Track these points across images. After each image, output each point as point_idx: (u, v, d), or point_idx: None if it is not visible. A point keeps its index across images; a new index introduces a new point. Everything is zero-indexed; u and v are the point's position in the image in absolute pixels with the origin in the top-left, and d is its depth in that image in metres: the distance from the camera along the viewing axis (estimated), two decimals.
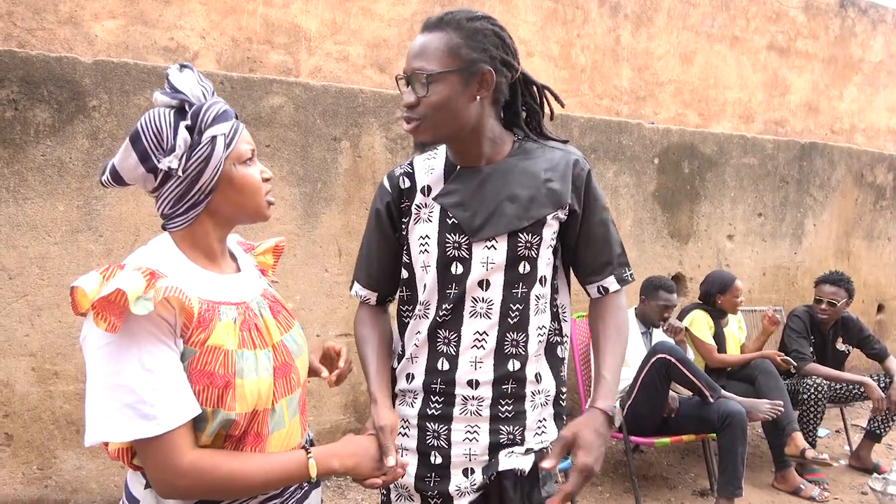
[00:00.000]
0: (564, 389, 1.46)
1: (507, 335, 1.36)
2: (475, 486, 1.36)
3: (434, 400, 1.39)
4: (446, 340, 1.37)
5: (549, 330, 1.42)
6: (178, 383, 0.99)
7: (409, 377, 1.43)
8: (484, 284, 1.35)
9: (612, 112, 5.39)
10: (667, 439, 3.29)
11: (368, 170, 3.38)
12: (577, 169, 1.37)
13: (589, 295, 1.47)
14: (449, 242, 1.37)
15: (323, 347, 1.42)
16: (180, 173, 1.07)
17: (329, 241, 3.31)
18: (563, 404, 1.47)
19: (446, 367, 1.37)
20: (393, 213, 1.45)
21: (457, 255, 1.36)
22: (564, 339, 1.46)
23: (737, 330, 4.05)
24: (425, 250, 1.39)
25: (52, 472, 2.82)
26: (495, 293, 1.35)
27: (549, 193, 1.35)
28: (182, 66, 1.12)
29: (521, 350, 1.37)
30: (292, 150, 3.18)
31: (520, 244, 1.34)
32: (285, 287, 3.21)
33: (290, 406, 1.16)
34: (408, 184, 1.44)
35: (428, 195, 1.41)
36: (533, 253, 1.35)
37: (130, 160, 1.08)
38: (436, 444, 1.38)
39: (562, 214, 1.36)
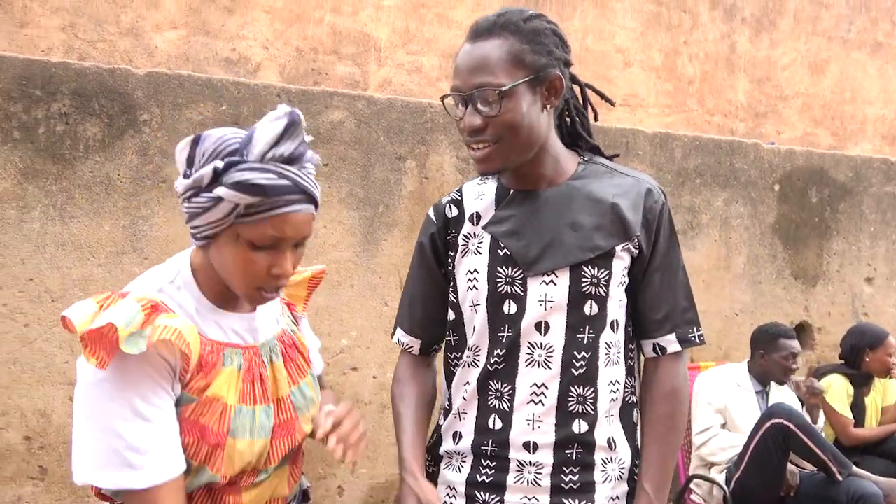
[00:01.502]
0: (639, 461, 1.37)
1: (572, 389, 1.28)
2: None
3: (485, 465, 1.32)
4: (499, 394, 1.31)
5: (624, 386, 1.35)
6: (170, 434, 0.99)
7: (457, 437, 1.37)
8: (542, 327, 1.29)
9: (725, 130, 5.19)
10: None
11: (436, 192, 3.37)
12: (651, 200, 1.31)
13: (644, 354, 1.39)
14: (500, 277, 1.32)
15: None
16: (181, 200, 1.07)
17: (390, 272, 3.31)
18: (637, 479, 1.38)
19: (499, 425, 1.31)
20: (438, 246, 1.42)
21: (510, 291, 1.31)
22: (637, 399, 1.39)
23: (881, 400, 3.75)
24: (474, 287, 1.34)
25: None
26: (556, 338, 1.28)
27: (617, 221, 1.29)
28: (287, 113, 1.05)
29: (588, 408, 1.29)
30: (352, 170, 3.23)
31: (584, 280, 1.28)
32: (339, 321, 3.22)
33: (283, 461, 1.15)
34: (455, 212, 1.40)
35: (477, 224, 1.37)
36: (601, 291, 1.28)
37: (184, 154, 1.08)
38: None
39: (633, 247, 1.30)
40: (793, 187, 4.14)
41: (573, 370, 1.28)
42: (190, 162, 1.06)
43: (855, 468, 3.04)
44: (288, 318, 1.29)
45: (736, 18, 5.18)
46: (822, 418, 3.46)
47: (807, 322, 4.24)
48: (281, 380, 1.14)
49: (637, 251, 1.31)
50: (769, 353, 3.38)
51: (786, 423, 2.99)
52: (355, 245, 3.25)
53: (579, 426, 1.29)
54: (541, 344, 1.28)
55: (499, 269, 1.32)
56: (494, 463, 1.32)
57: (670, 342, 1.33)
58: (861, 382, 3.62)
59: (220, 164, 1.02)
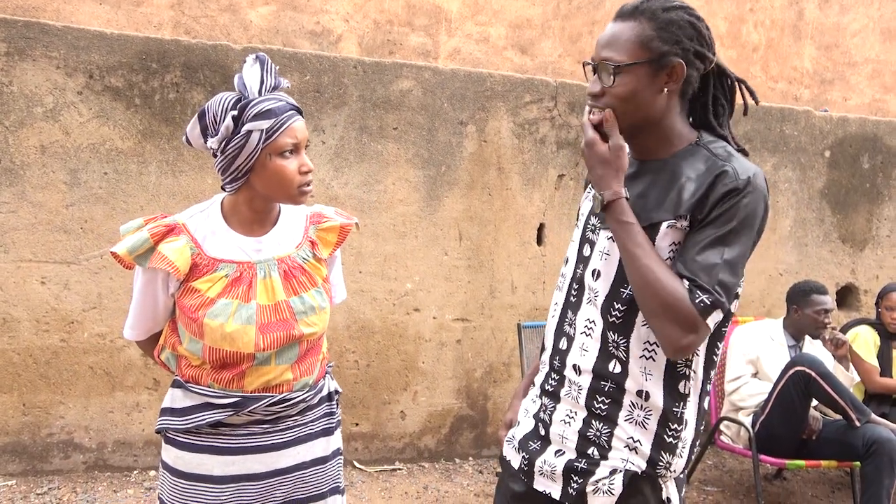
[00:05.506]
0: (678, 427, 1.45)
1: (609, 333, 1.45)
2: (554, 473, 1.49)
3: (552, 377, 1.55)
4: (569, 322, 1.52)
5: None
6: (137, 312, 1.57)
7: (543, 348, 1.62)
8: (595, 274, 1.48)
9: (788, 97, 5.29)
10: (801, 462, 3.32)
11: (493, 155, 3.74)
12: (720, 182, 1.35)
13: None
14: (590, 223, 1.53)
15: None
16: (219, 154, 1.47)
17: (450, 225, 3.71)
18: (672, 441, 1.45)
19: (564, 346, 1.53)
20: (588, 185, 1.65)
21: (590, 237, 1.52)
22: (691, 374, 1.44)
23: None
24: (577, 225, 1.60)
25: None
26: (602, 286, 1.46)
27: (675, 198, 1.39)
28: (256, 58, 1.49)
29: (621, 355, 1.44)
30: (418, 134, 3.63)
31: None
32: (405, 267, 3.66)
33: (283, 355, 1.53)
34: None
35: None
36: None
37: (196, 131, 1.51)
38: (543, 416, 1.55)
39: (679, 225, 1.38)
40: (844, 154, 4.27)
41: (609, 317, 1.44)
42: (205, 130, 1.48)
43: (873, 415, 3.27)
44: (306, 250, 1.61)
45: None
46: (853, 372, 3.64)
47: (853, 284, 4.40)
48: (276, 289, 1.52)
49: (689, 227, 1.38)
50: (802, 308, 3.60)
51: (808, 370, 3.24)
52: (420, 201, 3.66)
53: (615, 366, 1.44)
54: (592, 288, 1.48)
55: (591, 216, 1.53)
56: (557, 376, 1.53)
57: None
58: (889, 336, 3.77)
59: (234, 112, 1.43)
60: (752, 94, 1.51)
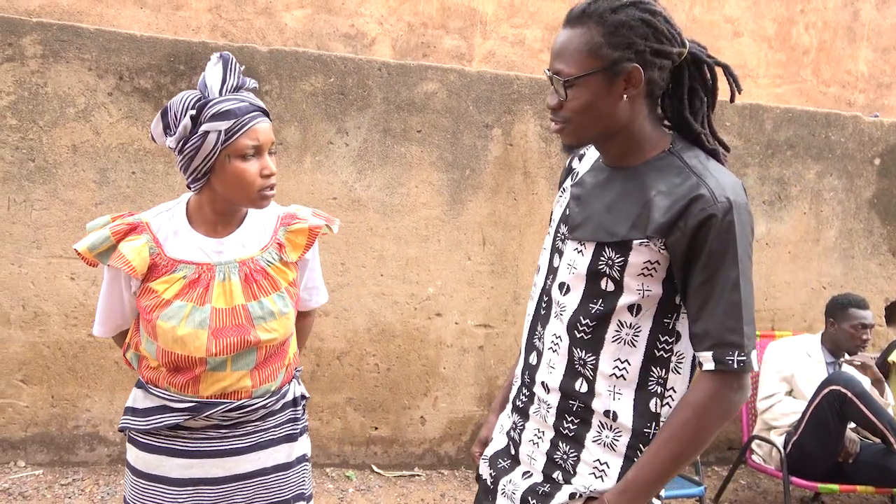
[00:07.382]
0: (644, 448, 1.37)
1: (575, 350, 1.37)
2: (514, 494, 1.42)
3: (523, 392, 1.48)
4: (538, 336, 1.45)
5: (643, 371, 1.35)
6: (107, 310, 1.57)
7: (518, 362, 1.55)
8: (563, 288, 1.39)
9: (841, 102, 5.05)
10: (835, 486, 3.14)
11: (519, 158, 3.66)
12: (696, 207, 1.25)
13: None
14: (560, 232, 1.45)
15: None
16: (177, 153, 1.45)
17: (474, 230, 3.66)
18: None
19: (534, 361, 1.45)
20: (561, 187, 1.57)
21: (560, 247, 1.43)
22: (668, 393, 1.36)
23: None
24: (549, 232, 1.51)
25: None
26: (570, 301, 1.38)
27: (644, 216, 1.30)
28: (220, 57, 1.44)
29: (588, 372, 1.36)
30: (443, 137, 3.58)
31: (602, 258, 1.34)
32: (427, 271, 3.62)
33: (240, 361, 1.48)
34: (577, 164, 1.53)
35: (573, 180, 1.50)
36: (615, 274, 1.32)
37: (159, 128, 1.48)
38: (513, 435, 1.48)
39: (655, 247, 1.29)
40: None
41: (576, 332, 1.36)
42: (167, 127, 1.45)
43: None
44: (272, 253, 1.56)
45: None
46: (889, 395, 3.43)
47: None
48: (234, 292, 1.48)
49: (667, 254, 1.30)
50: (839, 322, 3.41)
51: (843, 390, 3.07)
52: (443, 204, 3.62)
53: (581, 385, 1.37)
54: (559, 302, 1.39)
55: (561, 224, 1.45)
56: (528, 392, 1.46)
57: (706, 360, 1.29)
58: None
59: (192, 111, 1.40)
60: (734, 80, 1.41)
